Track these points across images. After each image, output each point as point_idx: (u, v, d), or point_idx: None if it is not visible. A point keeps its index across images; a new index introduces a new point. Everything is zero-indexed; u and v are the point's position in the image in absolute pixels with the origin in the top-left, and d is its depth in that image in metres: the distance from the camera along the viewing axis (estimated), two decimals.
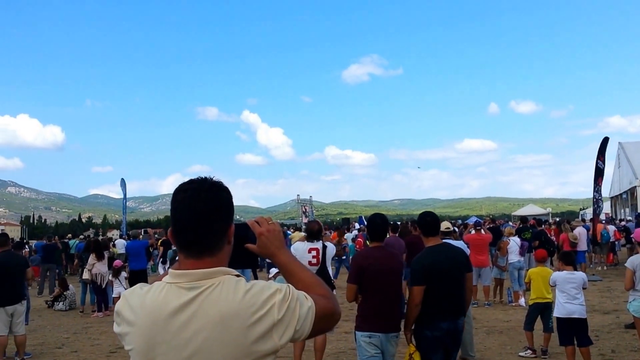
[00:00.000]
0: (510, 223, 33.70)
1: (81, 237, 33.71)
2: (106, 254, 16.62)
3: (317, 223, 9.38)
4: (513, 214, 64.82)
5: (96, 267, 15.79)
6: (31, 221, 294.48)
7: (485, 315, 13.27)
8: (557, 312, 8.41)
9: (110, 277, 15.62)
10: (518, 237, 17.82)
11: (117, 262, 16.28)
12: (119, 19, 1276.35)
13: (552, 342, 9.40)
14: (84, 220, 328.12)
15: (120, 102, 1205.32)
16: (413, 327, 5.93)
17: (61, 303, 16.91)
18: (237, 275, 1.95)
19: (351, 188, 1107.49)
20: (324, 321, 2.03)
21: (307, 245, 8.68)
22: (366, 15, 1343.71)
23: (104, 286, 15.87)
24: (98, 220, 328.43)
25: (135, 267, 16.07)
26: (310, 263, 8.52)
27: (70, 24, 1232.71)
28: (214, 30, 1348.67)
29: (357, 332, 5.92)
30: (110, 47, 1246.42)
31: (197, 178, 2.02)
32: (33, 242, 26.81)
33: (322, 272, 8.50)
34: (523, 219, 22.79)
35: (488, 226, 24.54)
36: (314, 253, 8.58)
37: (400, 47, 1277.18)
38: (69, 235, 34.41)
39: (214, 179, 2.03)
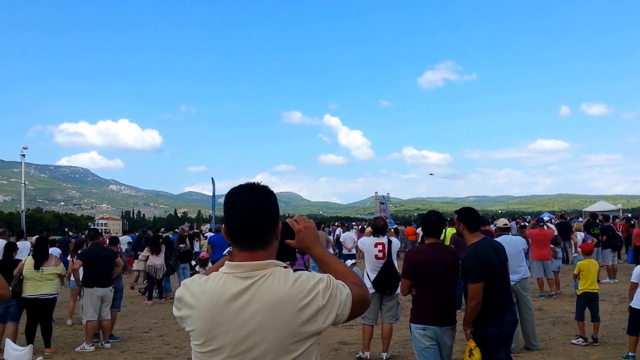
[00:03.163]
0: (580, 219, 32.79)
1: (176, 230, 34.56)
2: (162, 249, 16.83)
3: (382, 219, 9.54)
4: (584, 210, 63.14)
5: (150, 260, 16.26)
6: (131, 216, 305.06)
7: (552, 306, 13.00)
8: (634, 304, 8.10)
9: (197, 268, 15.91)
10: (587, 232, 17.38)
11: (203, 254, 16.55)
12: (210, 34, 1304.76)
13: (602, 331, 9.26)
14: (179, 215, 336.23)
15: (212, 107, 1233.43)
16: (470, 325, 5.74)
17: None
18: (285, 267, 2.14)
19: (428, 186, 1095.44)
20: (359, 306, 2.21)
21: (373, 240, 8.75)
22: (441, 25, 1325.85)
23: (159, 277, 16.35)
24: (192, 215, 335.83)
25: (217, 258, 15.60)
26: (376, 257, 8.58)
27: (165, 39, 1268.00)
28: (299, 43, 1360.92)
29: (411, 324, 5.81)
30: (203, 57, 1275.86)
31: (247, 183, 2.22)
32: (121, 236, 27.45)
33: (389, 265, 8.53)
34: (593, 215, 22.07)
35: (557, 222, 23.96)
36: (380, 247, 8.60)
37: (474, 54, 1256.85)
38: (162, 229, 35.38)
39: (261, 184, 2.23)
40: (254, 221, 2.12)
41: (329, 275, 2.18)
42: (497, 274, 5.63)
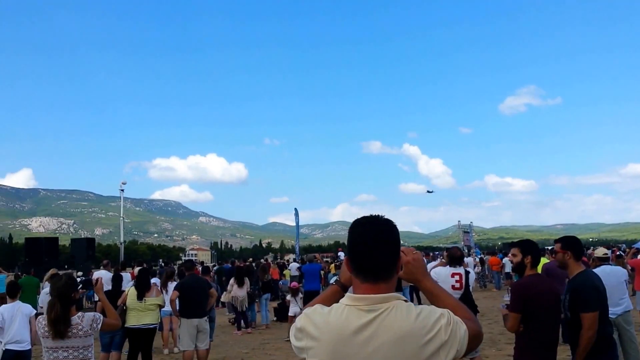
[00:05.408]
0: None
1: (261, 261, 35.03)
2: (246, 281, 16.72)
3: (459, 249, 9.22)
4: None
5: (234, 291, 16.26)
6: (219, 246, 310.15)
7: None
8: None
9: (288, 297, 15.96)
10: None
11: (294, 284, 16.59)
12: (292, 72, 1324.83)
13: None
14: (264, 245, 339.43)
15: (294, 139, 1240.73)
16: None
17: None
18: (406, 300, 2.15)
19: (512, 214, 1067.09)
20: (474, 341, 2.18)
21: (450, 270, 8.46)
22: (521, 48, 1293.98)
23: (242, 309, 16.30)
24: (276, 245, 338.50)
25: (310, 288, 15.95)
26: (453, 287, 8.29)
27: (250, 81, 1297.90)
28: (377, 73, 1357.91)
29: None
30: (286, 91, 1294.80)
31: (371, 215, 2.25)
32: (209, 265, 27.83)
33: (466, 296, 8.28)
34: None
35: None
36: (457, 278, 8.34)
37: (558, 77, 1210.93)
38: (250, 259, 35.87)
39: (385, 217, 2.24)
40: (379, 253, 2.13)
41: (448, 310, 2.16)
42: (606, 305, 5.34)
